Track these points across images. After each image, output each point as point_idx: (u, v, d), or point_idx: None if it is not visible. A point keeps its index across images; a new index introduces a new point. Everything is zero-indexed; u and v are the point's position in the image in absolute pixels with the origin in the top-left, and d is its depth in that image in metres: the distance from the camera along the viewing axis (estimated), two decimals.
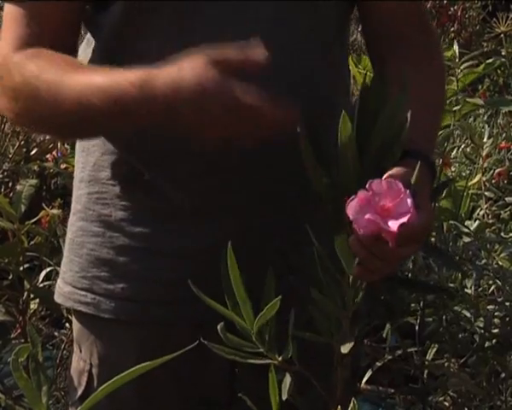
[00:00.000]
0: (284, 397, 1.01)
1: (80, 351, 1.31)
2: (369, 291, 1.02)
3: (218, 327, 1.02)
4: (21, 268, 1.78)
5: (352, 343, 1.00)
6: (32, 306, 1.94)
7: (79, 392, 1.29)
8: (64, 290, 1.31)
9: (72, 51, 1.26)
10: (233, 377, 1.24)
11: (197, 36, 1.18)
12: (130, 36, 1.23)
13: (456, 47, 1.88)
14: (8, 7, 1.26)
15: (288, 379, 1.02)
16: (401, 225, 0.94)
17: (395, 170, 1.04)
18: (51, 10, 1.23)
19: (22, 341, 1.81)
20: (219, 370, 1.23)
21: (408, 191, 0.96)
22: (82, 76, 1.13)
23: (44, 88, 1.15)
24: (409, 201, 0.95)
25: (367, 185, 0.95)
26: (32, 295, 1.87)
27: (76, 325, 1.32)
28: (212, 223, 1.21)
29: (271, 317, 1.00)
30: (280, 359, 1.02)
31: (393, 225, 0.95)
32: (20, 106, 1.20)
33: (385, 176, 1.00)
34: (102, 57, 1.25)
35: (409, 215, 0.95)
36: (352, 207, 0.95)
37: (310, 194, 1.08)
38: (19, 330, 1.83)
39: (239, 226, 1.21)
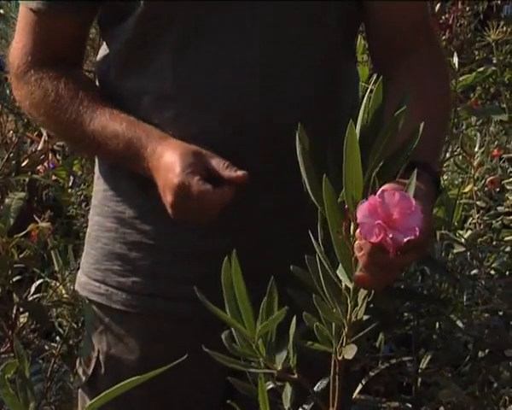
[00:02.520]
0: (286, 407, 1.01)
1: (90, 338, 1.39)
2: (371, 302, 1.01)
3: (223, 336, 1.02)
4: (10, 282, 1.77)
5: (356, 349, 0.99)
6: (21, 319, 1.93)
7: (86, 377, 1.38)
8: (81, 280, 1.40)
9: (79, 62, 1.39)
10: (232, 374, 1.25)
11: (205, 52, 1.24)
12: (143, 51, 1.29)
13: (455, 59, 1.87)
14: (21, 10, 1.36)
15: (288, 389, 1.02)
16: (408, 241, 0.93)
17: (397, 182, 1.03)
18: (62, 24, 1.33)
19: (12, 355, 1.79)
20: (219, 367, 1.27)
21: (419, 207, 0.95)
22: (98, 117, 1.27)
23: (63, 116, 1.29)
24: (418, 217, 0.94)
25: (378, 193, 0.94)
26: (21, 309, 1.85)
27: (88, 313, 1.40)
28: (222, 226, 1.23)
29: (273, 326, 0.99)
30: (280, 368, 1.01)
31: (398, 237, 0.93)
32: (40, 119, 1.35)
33: (385, 186, 0.99)
34: (117, 68, 1.32)
35: (417, 232, 0.93)
36: (361, 211, 0.94)
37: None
38: (8, 345, 1.81)
39: (249, 232, 1.26)
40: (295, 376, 1.02)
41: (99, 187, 1.38)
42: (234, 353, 1.02)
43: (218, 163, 1.17)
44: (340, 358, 1.00)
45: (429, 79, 1.27)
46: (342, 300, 1.00)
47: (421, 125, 1.02)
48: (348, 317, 0.99)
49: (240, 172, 1.16)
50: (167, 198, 1.18)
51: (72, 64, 1.35)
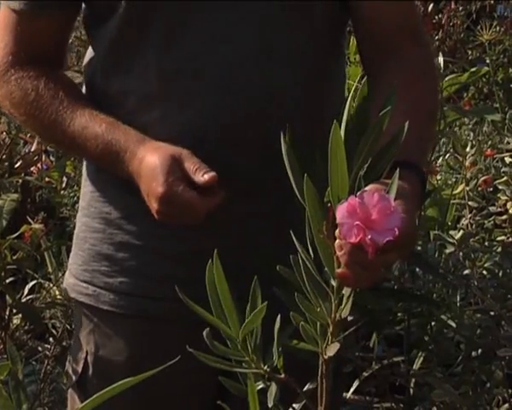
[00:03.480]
0: (270, 405, 1.02)
1: (79, 339, 1.39)
2: (356, 300, 1.01)
3: (204, 333, 1.03)
4: (3, 283, 1.77)
5: (338, 347, 0.99)
6: (15, 320, 1.93)
7: (76, 378, 1.39)
8: (69, 281, 1.41)
9: (61, 63, 1.38)
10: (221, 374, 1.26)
11: (189, 52, 1.22)
12: (127, 52, 1.29)
13: (440, 58, 1.87)
14: (2, 11, 1.35)
15: (273, 388, 1.02)
16: (387, 242, 0.94)
17: (380, 182, 1.03)
18: (45, 24, 1.33)
19: (5, 357, 1.79)
20: (208, 367, 1.27)
21: (398, 207, 0.95)
22: (78, 118, 1.27)
23: (43, 116, 1.29)
24: (398, 218, 0.95)
25: (358, 193, 0.95)
26: (14, 310, 1.85)
27: (77, 314, 1.42)
28: (208, 227, 1.24)
29: (257, 326, 0.99)
30: (266, 368, 1.02)
31: (377, 238, 0.94)
32: (21, 118, 1.35)
33: (369, 187, 1.00)
34: (103, 70, 1.33)
35: (396, 232, 0.94)
36: (340, 211, 0.95)
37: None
38: (1, 346, 1.81)
39: (235, 232, 1.27)
40: (282, 376, 1.02)
41: (86, 189, 1.38)
42: (217, 352, 1.02)
43: (189, 166, 1.17)
44: (325, 357, 1.01)
45: (416, 80, 1.27)
46: (327, 298, 1.01)
47: (406, 124, 1.02)
48: (333, 316, 1.00)
49: (207, 176, 1.16)
50: (153, 205, 1.19)
51: (54, 65, 1.36)
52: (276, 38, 1.26)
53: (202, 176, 1.16)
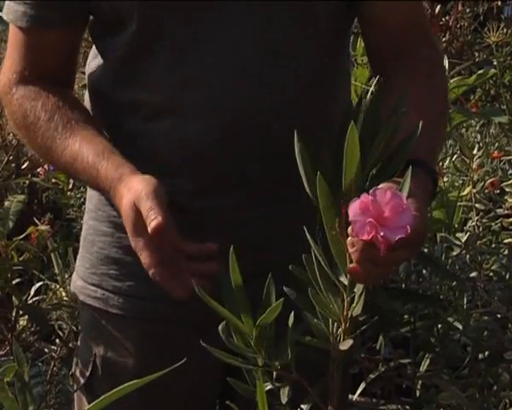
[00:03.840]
0: (284, 401, 1.02)
1: (86, 342, 1.39)
2: (367, 299, 1.02)
3: (220, 328, 1.04)
4: (10, 284, 1.77)
5: (351, 342, 1.00)
6: (21, 322, 1.93)
7: (84, 380, 1.39)
8: (77, 284, 1.40)
9: (69, 82, 1.36)
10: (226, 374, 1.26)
11: (198, 65, 1.24)
12: (136, 65, 1.28)
13: (446, 61, 1.87)
14: (10, 30, 1.33)
15: (286, 386, 1.04)
16: (399, 239, 0.94)
17: (393, 181, 1.04)
18: (51, 39, 1.31)
19: (11, 358, 1.80)
20: (213, 369, 1.30)
21: (410, 206, 0.96)
22: (69, 148, 1.25)
23: (41, 140, 1.27)
24: (410, 215, 0.95)
25: (371, 191, 0.95)
26: (20, 312, 1.85)
27: (84, 316, 1.41)
28: (220, 231, 1.26)
29: (270, 324, 1.00)
30: (278, 366, 1.02)
31: (389, 235, 0.94)
32: (25, 140, 1.34)
33: (382, 185, 1.00)
34: (110, 80, 1.31)
35: (408, 230, 0.94)
36: (352, 209, 0.95)
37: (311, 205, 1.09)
38: (7, 348, 1.81)
39: (248, 234, 1.27)
40: (293, 374, 1.02)
41: (94, 192, 1.38)
42: (231, 347, 1.02)
43: (143, 212, 1.14)
44: (337, 353, 1.01)
45: (426, 80, 1.27)
46: (339, 296, 1.01)
47: (420, 123, 1.03)
48: (345, 313, 1.00)
49: (153, 224, 1.12)
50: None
51: (61, 84, 1.33)
52: (282, 45, 1.26)
53: (149, 224, 1.12)
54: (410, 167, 1.01)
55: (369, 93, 1.05)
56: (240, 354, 1.04)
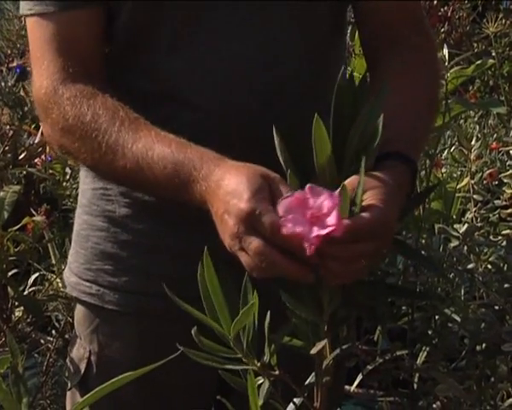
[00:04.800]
0: (261, 401, 1.02)
1: (80, 338, 1.37)
2: (347, 295, 1.01)
3: (192, 331, 1.02)
4: (6, 275, 1.77)
5: (324, 344, 1.00)
6: (17, 313, 1.92)
7: (78, 378, 1.36)
8: (70, 280, 1.38)
9: (103, 74, 1.27)
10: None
11: (197, 51, 1.23)
12: (134, 51, 1.27)
13: (445, 50, 1.86)
14: (33, 31, 1.26)
15: (266, 384, 1.02)
16: (318, 237, 0.94)
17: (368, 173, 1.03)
18: (81, 30, 1.24)
19: (7, 349, 1.79)
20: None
21: (338, 204, 0.95)
22: (142, 139, 1.15)
23: (102, 138, 1.17)
24: (335, 214, 0.95)
25: (306, 188, 0.96)
26: (16, 303, 1.85)
27: (79, 313, 1.39)
28: (212, 227, 1.21)
29: (250, 322, 0.99)
30: (258, 364, 1.01)
31: (310, 232, 0.95)
32: (74, 146, 1.21)
33: (347, 181, 1.00)
34: (109, 68, 1.28)
35: (331, 229, 0.94)
36: (282, 205, 0.96)
37: None
38: (3, 339, 1.81)
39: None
40: (276, 372, 1.02)
41: (87, 186, 1.36)
42: (206, 350, 1.02)
43: (281, 191, 1.03)
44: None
45: (415, 68, 1.27)
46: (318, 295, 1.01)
47: (381, 117, 1.01)
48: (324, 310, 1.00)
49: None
50: (229, 224, 1.04)
51: (97, 77, 1.26)
52: (281, 32, 1.26)
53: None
54: (363, 160, 0.98)
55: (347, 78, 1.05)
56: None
